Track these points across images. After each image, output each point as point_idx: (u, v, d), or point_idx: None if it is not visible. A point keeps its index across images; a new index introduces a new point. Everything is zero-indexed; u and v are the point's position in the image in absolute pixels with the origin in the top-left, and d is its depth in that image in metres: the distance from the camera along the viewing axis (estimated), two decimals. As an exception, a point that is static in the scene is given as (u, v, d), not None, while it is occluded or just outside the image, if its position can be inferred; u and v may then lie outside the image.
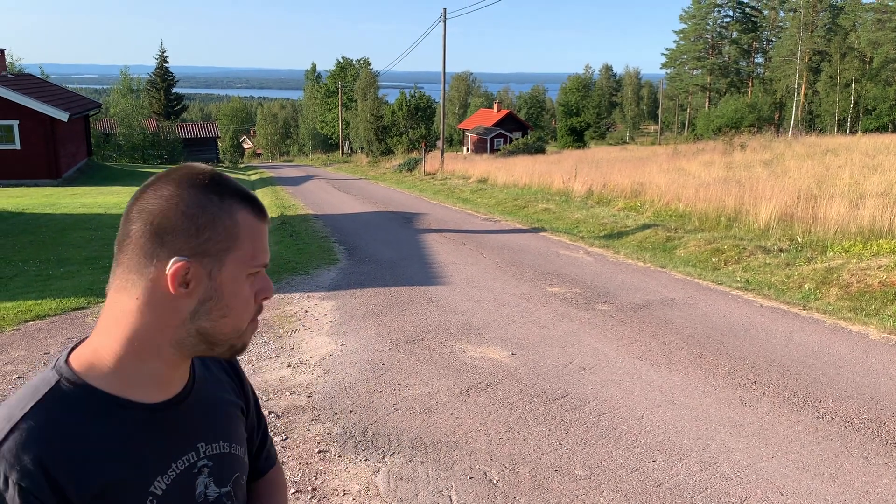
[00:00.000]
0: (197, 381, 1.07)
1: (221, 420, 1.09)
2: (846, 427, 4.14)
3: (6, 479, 0.85)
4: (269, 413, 4.27)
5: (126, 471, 0.93)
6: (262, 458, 1.24)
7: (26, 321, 6.05)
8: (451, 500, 3.31)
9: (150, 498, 0.95)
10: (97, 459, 0.91)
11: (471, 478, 3.52)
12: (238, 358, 1.19)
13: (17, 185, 20.45)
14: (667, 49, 75.91)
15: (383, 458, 3.71)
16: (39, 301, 6.64)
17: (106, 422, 0.93)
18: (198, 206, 0.92)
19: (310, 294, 7.30)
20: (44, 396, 0.91)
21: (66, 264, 8.62)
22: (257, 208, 0.97)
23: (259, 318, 1.03)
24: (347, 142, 57.98)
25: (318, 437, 3.97)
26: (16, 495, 0.85)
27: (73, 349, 0.97)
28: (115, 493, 0.91)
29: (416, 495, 3.34)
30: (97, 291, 7.08)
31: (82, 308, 6.49)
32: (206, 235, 0.92)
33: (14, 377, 4.72)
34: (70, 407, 0.91)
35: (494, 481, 3.49)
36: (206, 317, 0.94)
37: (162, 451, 0.98)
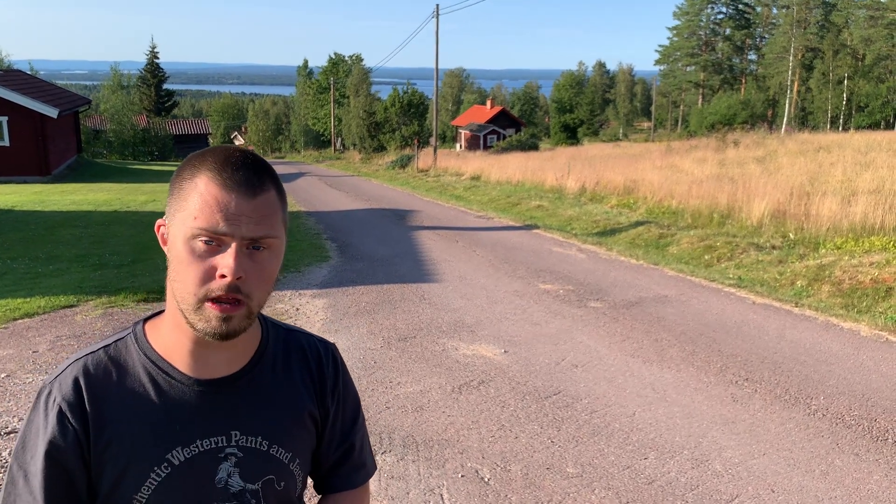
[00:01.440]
0: (257, 372, 1.07)
1: (271, 418, 1.06)
2: (837, 424, 4.14)
3: (54, 400, 0.98)
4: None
5: (146, 427, 0.99)
6: (340, 474, 1.19)
7: (15, 319, 5.99)
8: (442, 498, 3.29)
9: (165, 464, 0.99)
10: (124, 408, 0.99)
11: (462, 476, 3.50)
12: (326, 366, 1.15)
13: (5, 182, 20.31)
14: (660, 46, 75.99)
15: (374, 456, 3.69)
16: (28, 299, 6.58)
17: (146, 379, 1.01)
18: (178, 171, 0.98)
19: (301, 291, 7.26)
20: (110, 343, 1.03)
21: (55, 262, 8.55)
22: (224, 177, 0.93)
23: (226, 308, 0.94)
24: (340, 138, 57.83)
25: (308, 436, 3.94)
26: (54, 416, 0.97)
27: (162, 311, 1.06)
28: (130, 442, 0.98)
29: (408, 494, 3.32)
30: (87, 289, 7.02)
31: (72, 306, 6.43)
32: (173, 196, 0.97)
33: (2, 376, 4.67)
34: (123, 358, 1.02)
35: (486, 479, 3.47)
36: (172, 278, 0.97)
37: (189, 424, 1.01)
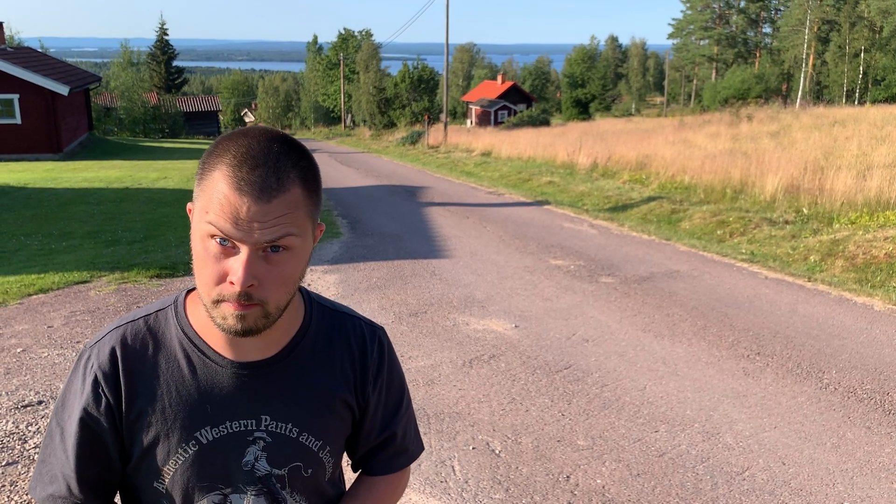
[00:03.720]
0: (293, 357, 1.04)
1: (304, 405, 1.05)
2: (849, 397, 4.13)
3: (91, 367, 0.99)
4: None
5: (177, 404, 1.00)
6: (379, 459, 1.18)
7: (29, 295, 6.06)
8: (453, 469, 3.32)
9: (193, 442, 1.00)
10: (157, 382, 1.00)
11: (473, 448, 3.53)
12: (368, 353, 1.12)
13: (18, 160, 20.42)
14: (673, 19, 74.84)
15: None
16: (42, 275, 6.65)
17: (181, 356, 1.01)
18: (206, 152, 0.95)
19: (312, 267, 7.29)
20: (152, 313, 1.04)
21: (68, 238, 8.62)
22: (238, 177, 0.88)
23: (240, 307, 0.92)
24: (350, 115, 57.61)
25: (321, 409, 3.97)
26: (90, 383, 0.99)
27: None
28: (161, 416, 0.99)
29: (419, 465, 3.35)
30: (100, 265, 7.08)
31: (85, 282, 6.49)
32: (197, 181, 0.94)
33: (18, 350, 4.73)
34: (162, 330, 1.02)
35: (497, 451, 3.50)
36: (194, 269, 0.96)
37: (220, 405, 1.00)
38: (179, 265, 7.05)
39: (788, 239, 8.48)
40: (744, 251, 8.19)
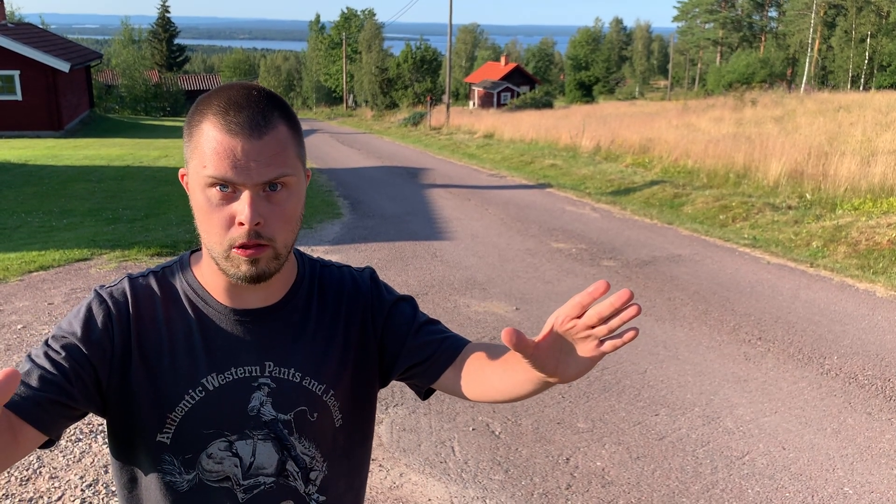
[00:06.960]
0: (292, 306, 1.07)
1: (305, 351, 1.07)
2: (850, 383, 4.13)
3: (104, 302, 1.01)
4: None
5: (184, 351, 1.02)
6: (451, 346, 1.11)
7: (30, 272, 6.05)
8: (453, 450, 3.33)
9: (200, 388, 1.01)
10: (165, 329, 1.02)
11: (473, 429, 3.53)
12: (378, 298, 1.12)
13: (18, 137, 20.34)
14: (679, 2, 74.16)
15: (387, 409, 3.73)
16: (43, 252, 6.63)
17: (187, 305, 1.04)
18: (188, 115, 0.97)
19: (313, 248, 7.27)
20: (159, 270, 1.08)
21: (69, 216, 8.60)
22: (228, 121, 0.91)
23: (251, 250, 0.93)
24: (352, 95, 57.27)
25: (321, 389, 3.97)
26: (101, 313, 0.99)
27: None
28: (169, 363, 1.01)
29: (419, 446, 3.36)
30: (100, 243, 7.07)
31: (86, 259, 6.48)
32: (186, 143, 0.97)
33: (19, 327, 4.73)
34: (169, 283, 1.06)
35: (497, 433, 3.50)
36: (198, 227, 0.98)
37: (225, 352, 1.03)
38: (180, 243, 7.04)
39: (791, 224, 8.45)
40: (746, 236, 8.16)
